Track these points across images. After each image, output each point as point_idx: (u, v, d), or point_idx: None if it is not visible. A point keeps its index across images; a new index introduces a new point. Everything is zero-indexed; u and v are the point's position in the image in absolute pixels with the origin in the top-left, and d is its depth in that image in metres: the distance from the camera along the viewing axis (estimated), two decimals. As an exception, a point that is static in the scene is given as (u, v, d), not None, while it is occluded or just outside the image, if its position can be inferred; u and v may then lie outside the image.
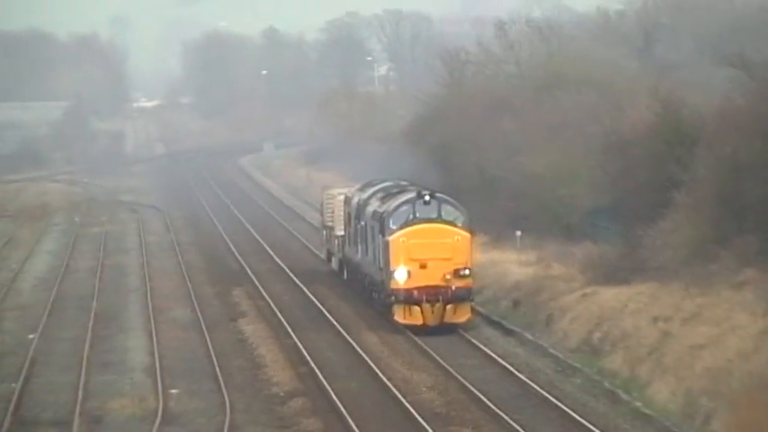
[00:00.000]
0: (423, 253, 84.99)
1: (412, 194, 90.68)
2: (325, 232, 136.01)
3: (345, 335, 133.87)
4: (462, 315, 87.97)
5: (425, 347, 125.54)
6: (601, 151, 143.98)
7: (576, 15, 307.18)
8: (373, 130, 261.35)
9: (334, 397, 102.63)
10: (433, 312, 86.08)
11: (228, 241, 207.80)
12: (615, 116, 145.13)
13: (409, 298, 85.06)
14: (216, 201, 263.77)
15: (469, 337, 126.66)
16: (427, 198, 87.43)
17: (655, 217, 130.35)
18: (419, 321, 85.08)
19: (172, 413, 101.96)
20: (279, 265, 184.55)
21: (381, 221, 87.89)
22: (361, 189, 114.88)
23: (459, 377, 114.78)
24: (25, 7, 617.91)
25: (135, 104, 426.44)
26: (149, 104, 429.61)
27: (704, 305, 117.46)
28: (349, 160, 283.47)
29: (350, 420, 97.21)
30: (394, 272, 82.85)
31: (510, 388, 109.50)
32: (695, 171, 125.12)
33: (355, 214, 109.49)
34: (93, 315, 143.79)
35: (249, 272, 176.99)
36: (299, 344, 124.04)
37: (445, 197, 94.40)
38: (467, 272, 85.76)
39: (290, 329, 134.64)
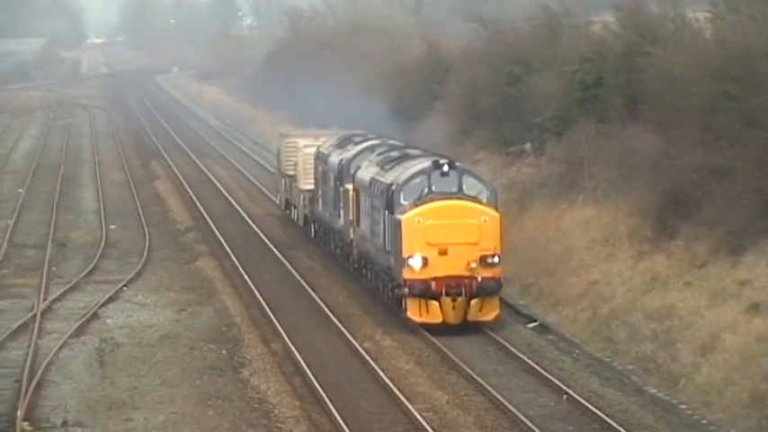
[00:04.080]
0: (443, 236, 57.94)
1: (426, 163, 63.01)
2: (284, 181, 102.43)
3: (225, 193, 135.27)
4: (490, 312, 59.78)
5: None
6: (389, 75, 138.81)
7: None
8: (241, 60, 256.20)
9: (216, 232, 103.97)
10: (454, 309, 57.79)
11: (148, 130, 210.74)
12: (398, 53, 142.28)
13: (426, 291, 57.83)
14: (139, 103, 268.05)
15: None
16: (446, 168, 60.07)
17: (423, 118, 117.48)
18: (438, 319, 58.34)
19: (111, 240, 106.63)
20: (179, 145, 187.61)
21: (389, 195, 61.26)
22: (340, 145, 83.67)
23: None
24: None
25: (88, 41, 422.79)
26: (98, 41, 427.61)
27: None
28: (225, 79, 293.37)
29: (225, 245, 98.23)
30: (408, 259, 57.33)
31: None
32: (449, 89, 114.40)
33: (336, 175, 77.85)
34: (60, 177, 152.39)
35: (162, 150, 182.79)
36: (194, 197, 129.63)
37: (467, 167, 64.71)
38: (496, 259, 58.75)
39: (188, 187, 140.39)
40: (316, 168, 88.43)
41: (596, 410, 53.55)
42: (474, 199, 59.14)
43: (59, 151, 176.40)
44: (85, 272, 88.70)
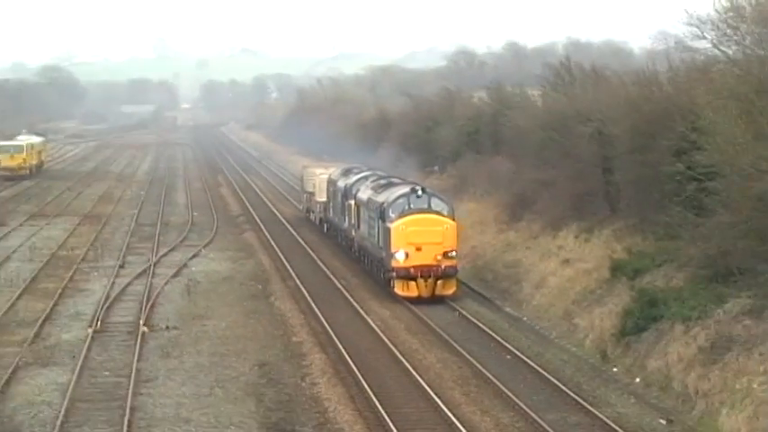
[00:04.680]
0: (418, 238, 58.52)
1: (406, 189, 62.63)
2: (305, 195, 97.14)
3: (260, 194, 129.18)
4: (449, 288, 59.53)
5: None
6: (356, 127, 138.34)
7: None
8: (270, 118, 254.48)
9: (255, 218, 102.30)
10: (426, 286, 58.32)
11: (216, 157, 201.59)
12: (360, 114, 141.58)
13: (407, 275, 58.45)
14: (210, 142, 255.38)
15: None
16: (420, 193, 60.82)
17: (375, 151, 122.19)
18: (415, 294, 58.38)
19: (195, 222, 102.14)
20: (233, 166, 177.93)
21: (382, 210, 61.40)
22: (344, 174, 79.69)
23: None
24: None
25: (181, 106, 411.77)
26: (186, 106, 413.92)
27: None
28: (261, 129, 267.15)
29: (261, 226, 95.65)
30: (395, 253, 58.06)
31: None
32: (390, 135, 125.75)
33: (343, 194, 76.14)
34: (165, 185, 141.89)
35: (223, 168, 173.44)
36: (243, 197, 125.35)
37: (434, 191, 64.61)
38: (454, 254, 59.09)
39: (239, 191, 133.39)
40: (328, 189, 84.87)
41: (476, 321, 55.24)
42: (439, 213, 59.80)
43: (164, 170, 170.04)
44: (179, 240, 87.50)
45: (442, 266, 58.24)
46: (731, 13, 49.73)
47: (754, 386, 38.83)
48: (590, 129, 65.68)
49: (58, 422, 38.31)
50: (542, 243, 67.38)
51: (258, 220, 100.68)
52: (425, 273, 58.20)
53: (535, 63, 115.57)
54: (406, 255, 58.12)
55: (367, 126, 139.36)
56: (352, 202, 71.57)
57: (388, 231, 59.57)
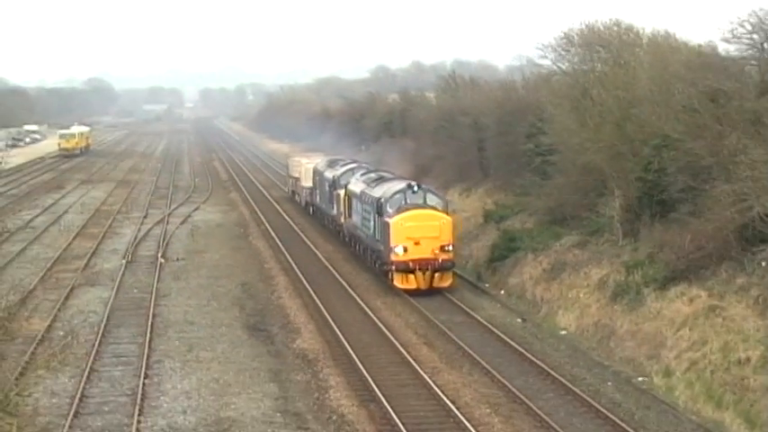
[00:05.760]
0: (417, 233, 46.67)
1: (402, 185, 50.37)
2: (291, 180, 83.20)
3: (241, 165, 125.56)
4: (446, 280, 47.06)
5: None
6: (308, 119, 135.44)
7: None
8: (249, 113, 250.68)
9: (239, 183, 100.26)
10: (424, 279, 46.50)
11: (210, 141, 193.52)
12: (308, 111, 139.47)
13: (406, 268, 46.72)
14: (205, 130, 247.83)
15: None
16: (416, 189, 48.75)
17: (321, 135, 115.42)
18: (413, 286, 46.61)
19: (196, 186, 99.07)
20: (222, 146, 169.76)
21: (379, 205, 48.79)
22: (330, 165, 66.51)
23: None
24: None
25: (186, 105, 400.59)
26: (190, 105, 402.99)
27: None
28: (242, 121, 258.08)
29: (243, 188, 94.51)
30: (394, 248, 46.65)
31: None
32: (331, 124, 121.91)
33: (330, 184, 62.63)
34: (175, 161, 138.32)
35: (215, 148, 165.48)
36: (229, 168, 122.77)
37: (429, 187, 51.78)
38: (450, 247, 47.20)
39: (226, 164, 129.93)
40: (314, 177, 69.52)
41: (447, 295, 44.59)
42: (434, 208, 45.80)
43: (174, 150, 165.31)
44: (185, 198, 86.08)
45: (440, 260, 44.97)
46: (564, 41, 50.53)
47: (581, 295, 39.34)
48: (469, 120, 66.17)
49: (102, 324, 38.58)
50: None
51: (240, 184, 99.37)
52: (423, 266, 44.88)
53: (431, 75, 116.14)
54: (405, 249, 44.88)
55: (314, 119, 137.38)
56: (341, 192, 57.19)
57: (386, 226, 46.03)
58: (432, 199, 46.71)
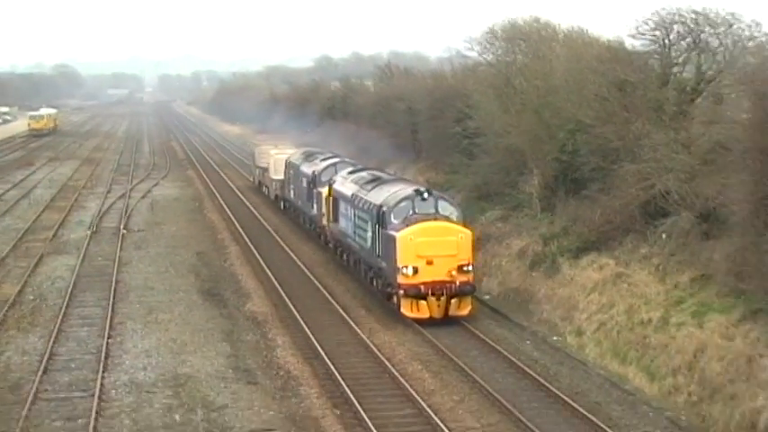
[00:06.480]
0: (430, 250, 32.89)
1: (408, 191, 35.44)
2: (257, 170, 69.93)
3: (194, 142, 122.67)
4: (465, 308, 33.63)
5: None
6: (256, 104, 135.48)
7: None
8: (203, 98, 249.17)
9: (194, 160, 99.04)
10: (438, 306, 32.90)
11: (168, 123, 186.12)
12: (256, 96, 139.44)
13: (417, 293, 32.92)
14: (164, 112, 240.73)
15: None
16: (426, 195, 34.49)
17: (269, 117, 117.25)
18: (425, 315, 32.99)
19: (155, 164, 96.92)
20: (179, 128, 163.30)
21: (380, 214, 34.75)
22: (307, 159, 53.48)
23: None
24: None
25: (146, 90, 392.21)
26: (149, 90, 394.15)
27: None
28: (198, 105, 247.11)
29: (197, 165, 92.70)
30: (402, 268, 32.79)
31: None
32: (280, 108, 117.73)
33: (310, 180, 48.78)
34: (135, 141, 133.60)
35: (173, 130, 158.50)
36: (185, 147, 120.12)
37: (440, 194, 36.91)
38: (470, 267, 33.49)
39: (183, 143, 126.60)
40: (286, 170, 57.14)
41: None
42: (448, 219, 33.89)
43: (135, 131, 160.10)
44: (146, 175, 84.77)
45: (457, 283, 32.92)
46: (489, 35, 50.61)
47: (503, 263, 39.61)
48: (403, 105, 65.85)
49: (69, 289, 38.34)
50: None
51: (196, 162, 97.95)
52: (438, 290, 32.83)
53: (369, 65, 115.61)
54: (415, 270, 32.73)
55: (263, 103, 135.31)
56: (323, 190, 45.24)
57: (391, 241, 33.62)
58: (445, 207, 34.66)
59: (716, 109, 34.22)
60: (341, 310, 35.37)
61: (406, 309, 33.09)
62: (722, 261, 28.18)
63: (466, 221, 35.33)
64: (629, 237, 33.91)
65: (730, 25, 35.31)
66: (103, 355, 29.22)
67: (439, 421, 23.60)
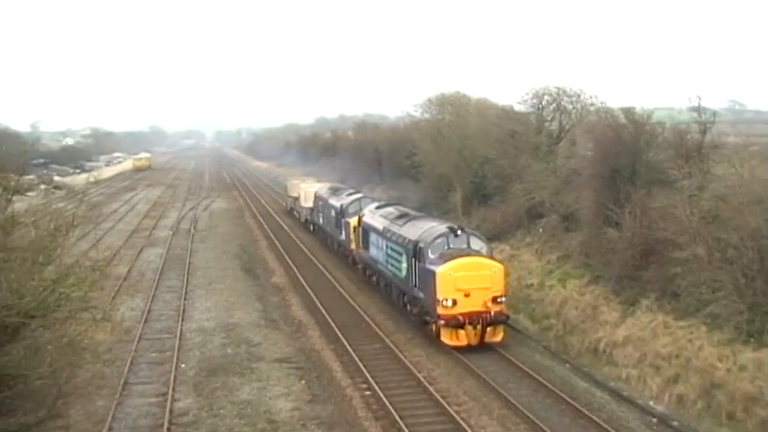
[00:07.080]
0: (467, 284, 22.57)
1: (442, 228, 24.73)
2: (289, 199, 59.41)
3: (240, 176, 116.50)
4: (498, 335, 23.29)
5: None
6: (281, 147, 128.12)
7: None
8: (241, 144, 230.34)
9: (237, 186, 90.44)
10: (475, 334, 22.71)
11: (222, 163, 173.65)
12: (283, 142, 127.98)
13: (456, 323, 22.67)
14: (219, 156, 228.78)
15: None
16: (459, 233, 24.19)
17: (285, 156, 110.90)
18: (463, 342, 22.69)
19: (212, 188, 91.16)
20: (227, 165, 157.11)
21: (417, 249, 24.34)
22: (334, 193, 42.49)
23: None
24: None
25: (207, 140, 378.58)
26: (209, 140, 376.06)
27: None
28: (240, 149, 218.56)
29: (241, 190, 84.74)
30: (442, 300, 22.65)
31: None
32: (290, 150, 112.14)
33: (338, 212, 38.20)
34: (200, 173, 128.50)
35: (223, 166, 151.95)
36: (234, 179, 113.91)
37: (471, 231, 25.63)
38: (503, 299, 23.18)
39: (231, 178, 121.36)
40: (315, 200, 47.44)
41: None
42: (479, 253, 24.71)
43: (200, 166, 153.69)
44: (206, 195, 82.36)
45: (492, 312, 24.16)
46: (427, 101, 51.01)
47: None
48: (372, 148, 65.24)
49: (159, 269, 38.13)
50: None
51: (239, 187, 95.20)
52: (474, 320, 24.12)
53: (350, 122, 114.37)
54: (454, 302, 24.02)
55: (280, 147, 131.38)
56: (351, 221, 36.08)
57: (431, 275, 24.57)
58: (476, 243, 25.52)
59: (572, 149, 35.37)
60: (334, 281, 34.72)
61: (446, 337, 24.35)
62: (576, 246, 29.15)
63: (493, 254, 25.99)
64: (518, 231, 34.60)
65: (579, 96, 37.56)
66: (182, 310, 29.58)
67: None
